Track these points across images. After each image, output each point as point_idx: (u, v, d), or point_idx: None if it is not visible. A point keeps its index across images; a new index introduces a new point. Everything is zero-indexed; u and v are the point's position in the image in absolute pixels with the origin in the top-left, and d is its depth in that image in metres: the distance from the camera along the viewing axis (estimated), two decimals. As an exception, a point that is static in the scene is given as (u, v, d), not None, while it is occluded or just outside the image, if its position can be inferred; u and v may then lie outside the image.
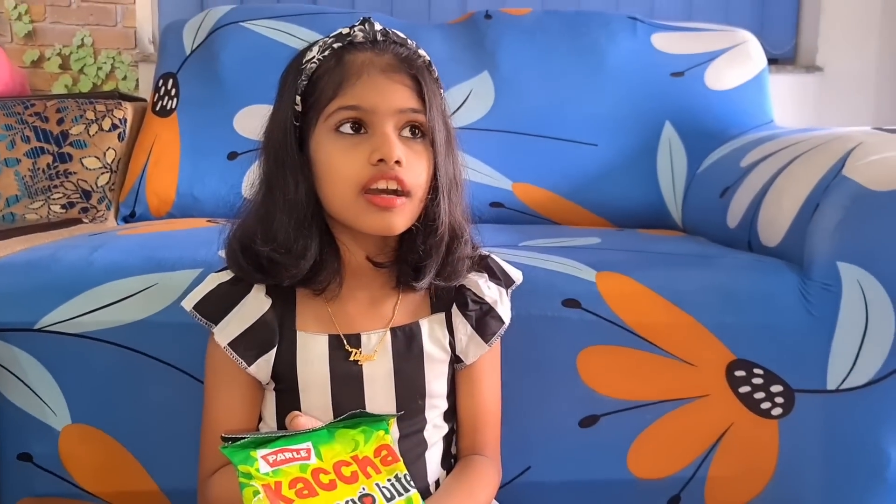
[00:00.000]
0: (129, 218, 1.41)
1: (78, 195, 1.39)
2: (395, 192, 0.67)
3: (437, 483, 0.76)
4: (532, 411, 0.89)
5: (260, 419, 0.76)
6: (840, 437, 0.89)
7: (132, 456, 0.90)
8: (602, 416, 0.89)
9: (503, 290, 0.78)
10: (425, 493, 0.74)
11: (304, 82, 0.69)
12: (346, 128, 0.67)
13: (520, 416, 0.88)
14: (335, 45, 0.69)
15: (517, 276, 0.80)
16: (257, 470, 0.57)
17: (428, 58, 0.72)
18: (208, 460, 0.73)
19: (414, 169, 0.68)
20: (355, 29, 0.70)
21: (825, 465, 0.89)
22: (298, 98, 0.69)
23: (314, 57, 0.69)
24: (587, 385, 0.88)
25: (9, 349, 0.88)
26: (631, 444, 0.90)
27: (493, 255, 0.80)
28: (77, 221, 1.34)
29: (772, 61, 2.18)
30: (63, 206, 1.38)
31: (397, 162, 0.66)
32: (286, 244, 0.68)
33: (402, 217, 0.69)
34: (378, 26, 0.71)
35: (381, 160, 0.66)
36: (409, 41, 0.72)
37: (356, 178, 0.67)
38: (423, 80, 0.69)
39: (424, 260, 0.71)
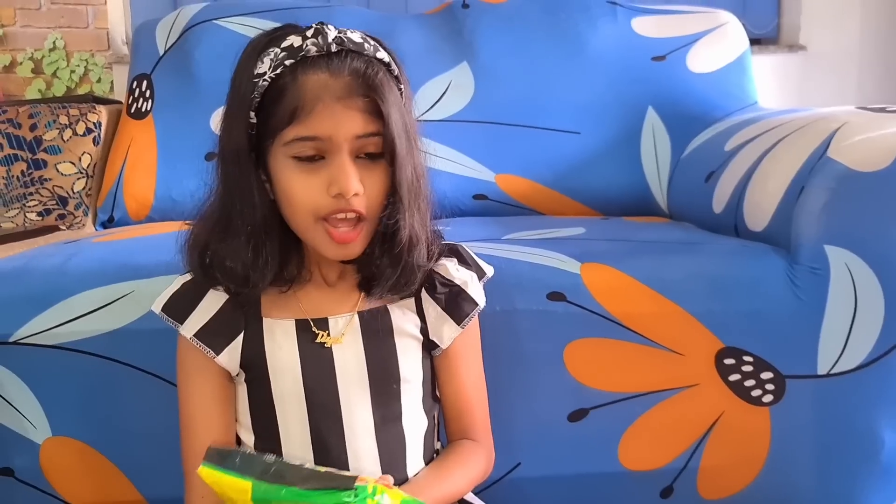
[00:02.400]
0: (108, 223, 1.39)
1: (54, 202, 1.36)
2: (355, 220, 0.68)
3: None
4: (520, 407, 0.88)
5: None
6: (832, 421, 0.88)
7: (115, 466, 0.89)
8: (591, 410, 0.88)
9: (474, 275, 0.77)
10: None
11: (257, 99, 0.66)
12: (304, 156, 0.66)
13: (508, 412, 0.87)
14: (287, 62, 0.66)
15: (489, 269, 0.80)
16: None
17: (387, 58, 0.69)
18: (192, 465, 0.72)
19: (372, 192, 0.68)
20: (308, 42, 0.66)
21: (818, 450, 0.89)
22: (252, 113, 0.67)
23: (266, 74, 0.66)
24: (575, 378, 0.87)
25: (-16, 363, 0.86)
26: (621, 437, 0.89)
27: (464, 246, 0.80)
28: (54, 229, 1.32)
29: (754, 41, 2.17)
30: (39, 214, 1.35)
31: (356, 194, 0.66)
32: (246, 262, 0.68)
33: (361, 244, 0.69)
34: (332, 34, 0.67)
35: (339, 193, 0.66)
36: (365, 45, 0.68)
37: (314, 208, 0.67)
38: (381, 97, 0.66)
39: (382, 271, 0.71)
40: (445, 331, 0.75)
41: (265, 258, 0.69)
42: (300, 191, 0.67)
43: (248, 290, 0.70)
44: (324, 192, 0.66)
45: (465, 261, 0.78)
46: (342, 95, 0.65)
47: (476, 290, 0.77)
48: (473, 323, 0.77)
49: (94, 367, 0.86)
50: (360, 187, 0.66)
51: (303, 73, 0.65)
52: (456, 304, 0.75)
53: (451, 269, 0.76)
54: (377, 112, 0.66)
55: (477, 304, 0.76)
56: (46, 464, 0.89)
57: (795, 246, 0.89)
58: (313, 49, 0.66)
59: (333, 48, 0.66)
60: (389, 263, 0.70)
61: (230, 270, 0.69)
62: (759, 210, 0.98)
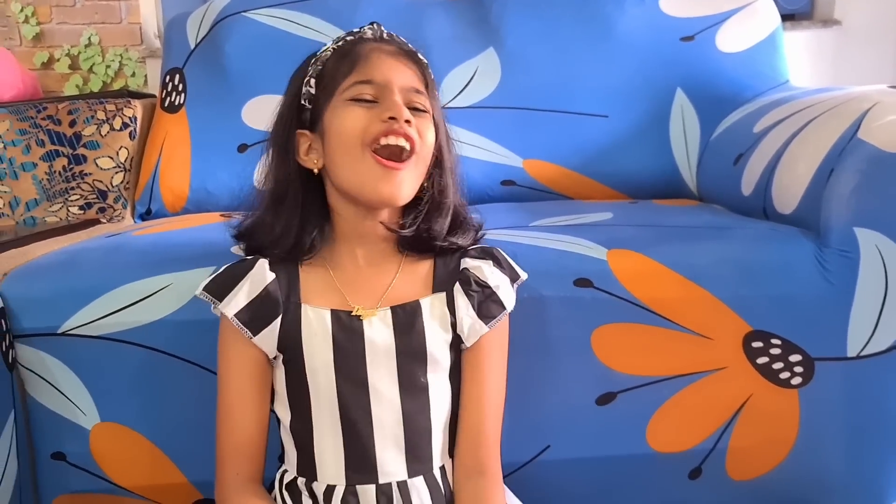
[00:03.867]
0: (146, 215, 1.43)
1: (95, 196, 1.40)
2: (404, 152, 0.72)
3: (443, 469, 0.77)
4: (549, 391, 0.89)
5: (273, 394, 0.78)
6: (861, 404, 0.88)
7: (160, 450, 0.93)
8: (619, 393, 0.89)
9: (507, 279, 0.79)
10: (430, 478, 0.75)
11: (319, 67, 0.76)
12: (361, 98, 0.74)
13: (537, 397, 0.89)
14: (348, 38, 0.78)
15: (523, 274, 0.81)
16: None
17: (426, 61, 0.79)
18: (224, 442, 0.76)
19: (422, 130, 0.74)
20: (365, 28, 0.79)
21: (847, 432, 0.89)
22: (313, 81, 0.76)
23: (329, 47, 0.78)
24: (602, 363, 0.88)
25: (36, 353, 0.90)
26: (649, 420, 0.90)
27: (499, 249, 0.81)
28: (95, 222, 1.36)
29: (787, 17, 2.13)
30: (81, 208, 1.39)
31: (407, 121, 0.72)
32: (269, 221, 0.77)
33: (408, 184, 0.74)
34: (385, 30, 0.79)
35: (391, 117, 0.72)
36: (409, 45, 0.80)
37: (364, 131, 0.72)
38: (425, 70, 0.78)
39: (435, 226, 0.77)
40: (473, 328, 0.76)
41: (287, 220, 0.76)
42: (353, 120, 0.73)
43: (279, 248, 0.76)
44: (376, 119, 0.73)
45: (499, 263, 0.79)
46: (394, 54, 0.77)
47: (507, 293, 0.78)
48: (503, 328, 0.78)
49: (138, 357, 0.89)
50: (412, 119, 0.73)
51: (360, 44, 0.77)
52: (486, 305, 0.76)
53: (487, 271, 0.77)
54: (423, 79, 0.77)
55: (505, 309, 0.77)
56: (96, 448, 0.93)
57: (825, 229, 0.88)
58: (369, 32, 0.79)
59: (385, 36, 0.79)
60: (443, 213, 0.78)
61: (254, 230, 0.78)
62: (788, 193, 0.97)
